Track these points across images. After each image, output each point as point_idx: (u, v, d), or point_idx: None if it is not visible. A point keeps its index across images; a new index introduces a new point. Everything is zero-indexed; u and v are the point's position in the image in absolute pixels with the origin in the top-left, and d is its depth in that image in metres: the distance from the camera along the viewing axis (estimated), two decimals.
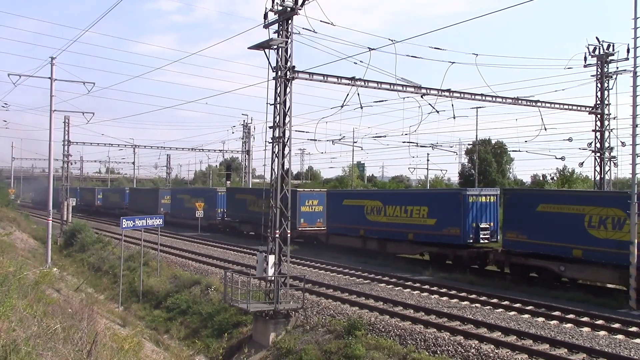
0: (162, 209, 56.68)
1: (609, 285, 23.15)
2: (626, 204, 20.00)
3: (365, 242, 33.51)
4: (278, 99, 19.14)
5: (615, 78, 28.17)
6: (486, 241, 27.49)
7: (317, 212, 38.30)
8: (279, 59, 18.99)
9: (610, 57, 28.03)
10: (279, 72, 19.03)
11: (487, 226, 27.44)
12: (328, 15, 21.78)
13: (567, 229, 22.51)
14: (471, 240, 27.21)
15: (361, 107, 22.37)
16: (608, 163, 28.69)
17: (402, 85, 21.99)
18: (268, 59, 19.00)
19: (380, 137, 41.06)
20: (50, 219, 33.36)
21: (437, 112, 23.78)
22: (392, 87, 21.76)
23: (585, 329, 16.67)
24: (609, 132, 28.54)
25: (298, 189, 40.79)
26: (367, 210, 33.19)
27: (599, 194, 25.17)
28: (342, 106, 21.66)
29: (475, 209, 27.36)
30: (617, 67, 28.05)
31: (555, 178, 51.28)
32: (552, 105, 26.75)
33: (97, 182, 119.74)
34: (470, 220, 27.12)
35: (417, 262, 30.60)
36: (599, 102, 28.52)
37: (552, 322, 17.43)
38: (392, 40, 20.77)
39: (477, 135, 51.82)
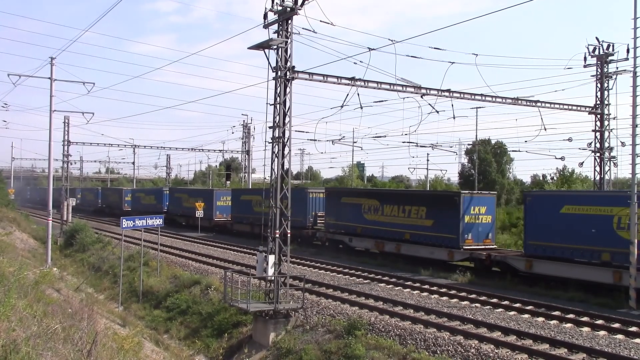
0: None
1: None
2: None
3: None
4: (278, 99, 19.14)
5: (615, 78, 28.20)
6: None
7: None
8: (279, 59, 18.99)
9: (610, 57, 28.03)
10: (279, 72, 19.03)
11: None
12: (327, 16, 21.79)
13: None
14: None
15: (361, 107, 22.41)
16: (608, 163, 28.69)
17: (402, 86, 21.99)
18: (268, 59, 19.01)
19: (380, 137, 40.99)
20: (50, 219, 33.37)
21: (437, 112, 23.80)
22: (392, 87, 21.76)
23: (585, 329, 16.68)
24: (609, 132, 28.55)
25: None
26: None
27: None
28: (342, 106, 21.69)
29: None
30: (617, 67, 28.09)
31: (555, 178, 51.26)
32: (552, 105, 26.74)
33: (97, 182, 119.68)
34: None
35: (418, 262, 30.56)
36: (598, 102, 28.53)
37: (552, 322, 17.44)
38: (391, 41, 20.79)
39: (477, 135, 51.86)
